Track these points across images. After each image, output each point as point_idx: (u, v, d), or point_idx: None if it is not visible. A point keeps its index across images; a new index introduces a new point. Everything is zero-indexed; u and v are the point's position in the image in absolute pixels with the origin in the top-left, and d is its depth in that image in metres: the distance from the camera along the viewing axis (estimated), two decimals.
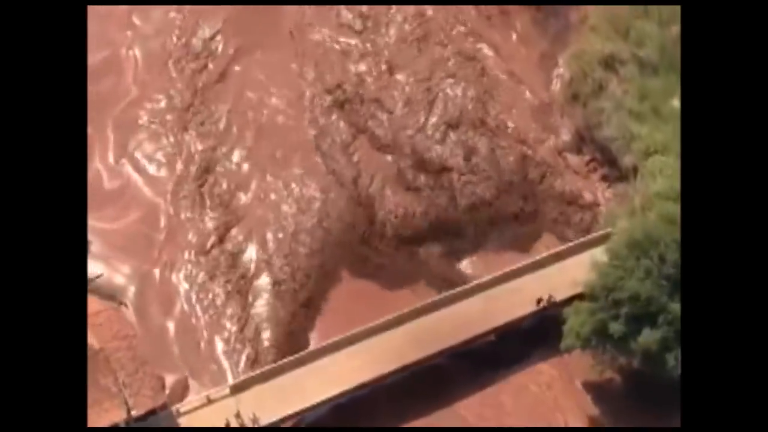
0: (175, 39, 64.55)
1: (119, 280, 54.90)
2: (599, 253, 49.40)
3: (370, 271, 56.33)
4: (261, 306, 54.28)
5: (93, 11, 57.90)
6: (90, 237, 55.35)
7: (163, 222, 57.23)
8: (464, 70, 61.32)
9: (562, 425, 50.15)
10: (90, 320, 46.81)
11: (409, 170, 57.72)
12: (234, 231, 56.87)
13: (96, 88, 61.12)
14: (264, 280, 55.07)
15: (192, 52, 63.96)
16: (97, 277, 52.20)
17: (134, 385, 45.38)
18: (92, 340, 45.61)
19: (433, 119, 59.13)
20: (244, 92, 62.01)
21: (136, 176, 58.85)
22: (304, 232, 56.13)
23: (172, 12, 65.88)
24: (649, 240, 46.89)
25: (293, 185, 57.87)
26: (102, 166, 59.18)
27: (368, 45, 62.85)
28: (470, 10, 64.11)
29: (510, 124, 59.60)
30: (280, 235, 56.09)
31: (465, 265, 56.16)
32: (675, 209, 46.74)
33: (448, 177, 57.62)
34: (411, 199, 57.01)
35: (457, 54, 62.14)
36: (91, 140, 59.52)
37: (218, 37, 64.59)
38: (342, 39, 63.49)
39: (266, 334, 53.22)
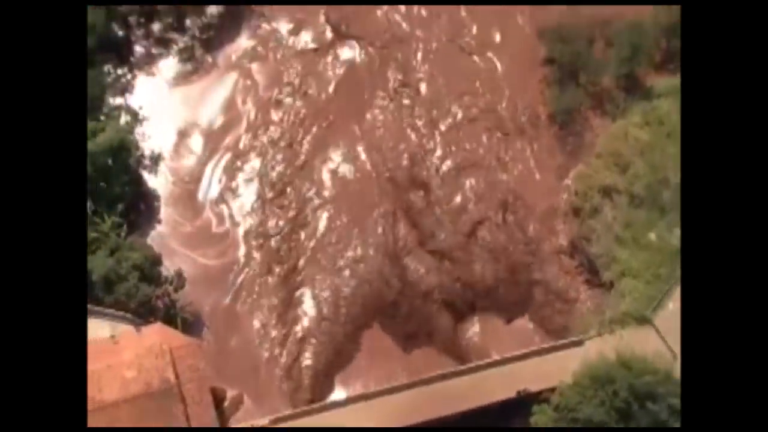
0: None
1: (205, 307, 60.42)
2: (569, 365, 53.04)
3: (395, 328, 61.21)
4: (308, 350, 59.84)
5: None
6: (191, 267, 60.97)
7: (246, 269, 61.99)
8: (493, 174, 65.10)
9: None
10: (174, 353, 53.74)
11: (438, 256, 62.70)
12: (296, 282, 61.90)
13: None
14: (312, 326, 60.55)
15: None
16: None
17: (197, 414, 50.44)
18: (170, 374, 52.58)
19: (468, 219, 63.69)
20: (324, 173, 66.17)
21: (233, 227, 63.53)
22: (349, 292, 61.54)
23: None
24: (608, 378, 50.29)
25: (349, 252, 62.98)
26: (213, 214, 63.91)
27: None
28: (507, 121, 67.09)
29: (521, 222, 63.33)
30: (327, 294, 61.34)
31: (467, 332, 61.13)
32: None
33: (468, 260, 62.62)
34: (434, 275, 62.18)
35: (490, 158, 65.99)
36: (202, 186, 65.11)
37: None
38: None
39: (307, 373, 58.77)
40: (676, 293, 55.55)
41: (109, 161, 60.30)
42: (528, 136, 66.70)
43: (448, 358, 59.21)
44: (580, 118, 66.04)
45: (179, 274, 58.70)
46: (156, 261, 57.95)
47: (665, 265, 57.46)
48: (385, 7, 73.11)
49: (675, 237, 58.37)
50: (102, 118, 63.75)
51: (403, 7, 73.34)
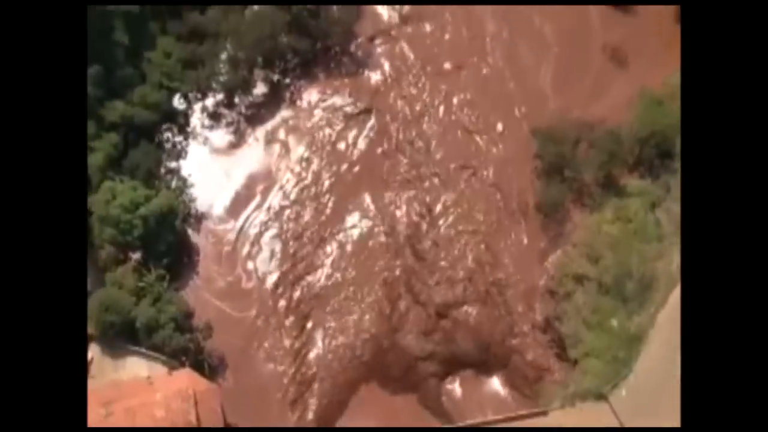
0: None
1: (228, 352, 65.99)
2: None
3: (387, 381, 66.28)
4: (313, 390, 65.67)
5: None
6: (219, 317, 66.85)
7: (266, 320, 67.56)
8: (483, 252, 69.60)
9: None
10: (198, 396, 59.28)
11: (428, 319, 67.79)
12: (307, 330, 67.78)
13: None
14: (319, 369, 66.21)
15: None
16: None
17: None
18: (192, 417, 58.31)
19: (458, 290, 68.64)
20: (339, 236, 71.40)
21: (259, 283, 68.99)
22: (349, 345, 67.22)
23: None
24: None
25: (353, 310, 68.41)
26: (243, 271, 69.45)
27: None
28: (500, 210, 71.34)
29: (505, 297, 67.93)
30: (334, 343, 67.01)
31: (449, 391, 66.00)
32: None
33: (455, 327, 67.32)
34: (424, 339, 67.07)
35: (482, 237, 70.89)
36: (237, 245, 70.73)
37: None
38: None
39: (310, 414, 64.72)
40: (630, 378, 60.02)
41: (159, 223, 66.64)
42: (517, 221, 71.09)
43: (430, 414, 64.32)
44: (562, 209, 70.01)
45: (208, 326, 64.79)
46: (189, 314, 64.08)
47: (623, 349, 61.94)
48: (405, 84, 78.07)
49: (634, 324, 63.06)
50: (157, 182, 70.33)
51: (420, 86, 78.20)
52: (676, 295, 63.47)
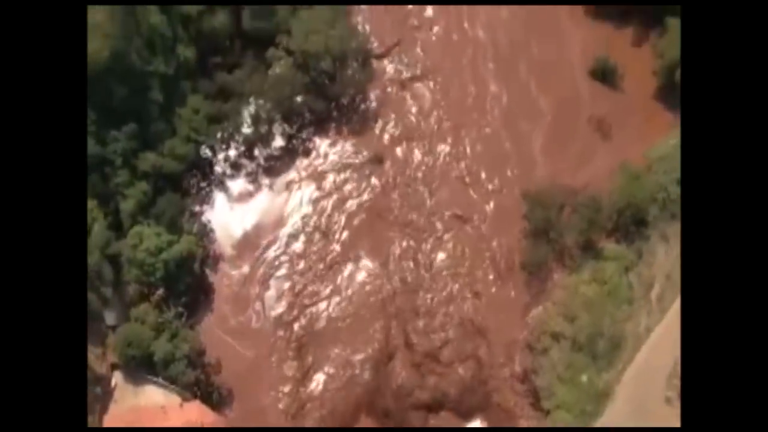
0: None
1: (235, 385, 69.88)
2: None
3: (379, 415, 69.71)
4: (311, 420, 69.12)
5: None
6: (229, 353, 70.62)
7: (269, 359, 71.26)
8: (470, 305, 72.65)
9: None
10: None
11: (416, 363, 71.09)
12: (308, 364, 71.39)
13: None
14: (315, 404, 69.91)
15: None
16: None
17: None
18: None
19: (446, 337, 71.75)
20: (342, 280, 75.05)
21: (266, 323, 72.76)
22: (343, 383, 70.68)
23: None
24: None
25: (349, 348, 72.38)
26: (253, 312, 72.95)
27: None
28: (489, 265, 74.38)
29: (488, 347, 70.89)
30: (331, 385, 70.30)
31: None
32: None
33: (442, 373, 70.64)
34: (413, 381, 70.50)
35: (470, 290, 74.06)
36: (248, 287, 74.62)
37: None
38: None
39: None
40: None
41: (179, 266, 70.59)
42: (503, 276, 74.00)
43: None
44: (545, 268, 72.83)
45: (218, 363, 68.66)
46: (201, 352, 67.80)
47: (591, 404, 64.74)
48: (409, 138, 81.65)
49: (602, 381, 65.91)
50: (181, 225, 74.13)
51: (423, 140, 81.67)
52: (641, 354, 66.13)
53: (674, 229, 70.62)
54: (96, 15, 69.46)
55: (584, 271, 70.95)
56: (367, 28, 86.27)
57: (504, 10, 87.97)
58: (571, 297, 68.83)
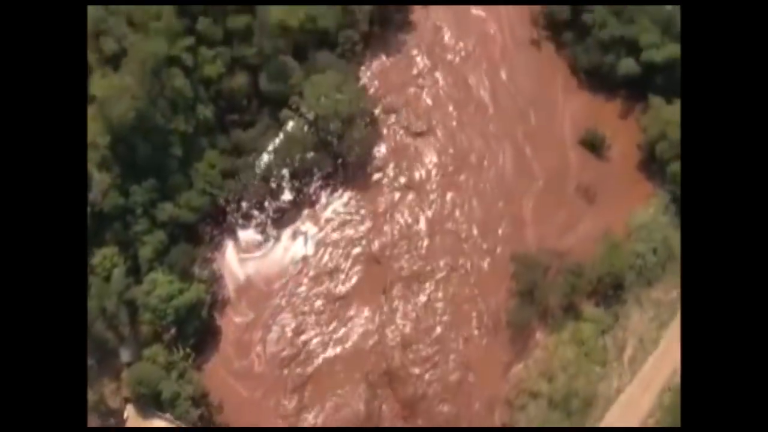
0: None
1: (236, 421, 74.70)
2: None
3: None
4: None
5: None
6: (230, 392, 75.32)
7: (267, 400, 75.96)
8: (455, 360, 77.61)
9: None
10: None
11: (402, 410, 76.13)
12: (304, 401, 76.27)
13: None
14: None
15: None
16: None
17: None
18: None
19: (432, 387, 76.19)
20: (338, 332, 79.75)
21: (267, 367, 77.62)
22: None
23: None
24: None
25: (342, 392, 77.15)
26: (255, 355, 77.74)
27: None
28: (475, 323, 79.02)
29: (468, 401, 75.39)
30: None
31: None
32: None
33: (426, 419, 75.75)
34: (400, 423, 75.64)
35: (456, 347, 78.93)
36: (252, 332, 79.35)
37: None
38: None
39: None
40: None
41: (188, 311, 76.33)
42: (489, 333, 78.96)
43: None
44: (529, 328, 78.09)
45: (220, 405, 74.17)
46: (205, 394, 73.42)
47: None
48: (407, 196, 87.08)
49: None
50: (193, 270, 79.77)
51: (422, 196, 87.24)
52: (611, 413, 70.95)
53: (649, 295, 75.85)
54: (125, 78, 75.57)
55: (564, 331, 75.95)
56: (376, 83, 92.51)
57: (504, 72, 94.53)
58: (551, 357, 73.92)
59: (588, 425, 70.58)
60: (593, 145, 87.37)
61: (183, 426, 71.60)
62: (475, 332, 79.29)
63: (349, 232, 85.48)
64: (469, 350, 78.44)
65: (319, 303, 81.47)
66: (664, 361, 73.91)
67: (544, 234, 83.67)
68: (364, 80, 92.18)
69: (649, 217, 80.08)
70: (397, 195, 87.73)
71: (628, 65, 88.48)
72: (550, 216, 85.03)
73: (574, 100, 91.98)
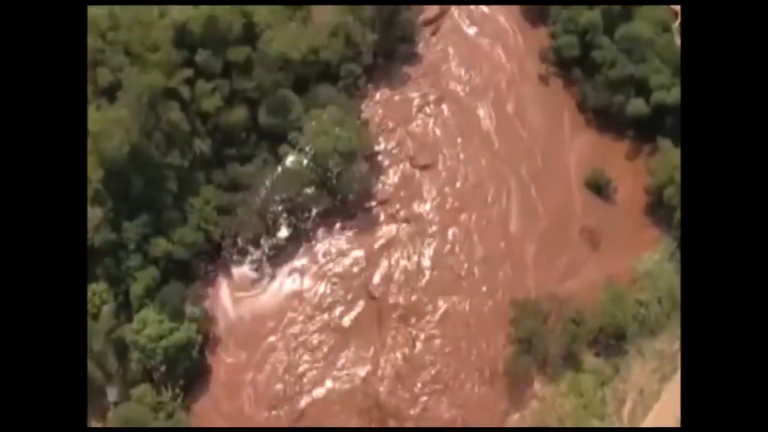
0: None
1: None
2: None
3: None
4: None
5: None
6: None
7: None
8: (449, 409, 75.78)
9: None
10: None
11: None
12: None
13: None
14: None
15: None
16: None
17: None
18: None
19: None
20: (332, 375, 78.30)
21: (257, 409, 75.89)
22: None
23: None
24: None
25: None
26: (246, 397, 76.14)
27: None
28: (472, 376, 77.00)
29: None
30: None
31: None
32: None
33: None
34: None
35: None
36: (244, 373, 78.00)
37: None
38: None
39: None
40: None
41: (178, 351, 74.81)
42: (485, 381, 77.04)
43: None
44: (527, 377, 76.16)
45: None
46: None
47: None
48: (407, 232, 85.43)
49: None
50: (185, 308, 78.22)
51: (423, 237, 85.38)
52: None
53: (651, 346, 73.74)
54: (120, 111, 74.48)
55: (563, 381, 74.16)
56: (379, 115, 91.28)
57: (511, 106, 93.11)
58: (548, 409, 72.04)
59: None
60: (599, 186, 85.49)
61: None
62: (472, 380, 77.26)
63: (346, 267, 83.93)
64: (465, 394, 76.57)
65: (313, 339, 79.91)
66: (664, 415, 71.48)
67: (546, 278, 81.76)
68: (366, 113, 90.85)
69: (654, 264, 78.06)
70: (396, 229, 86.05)
71: (637, 106, 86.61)
72: (552, 260, 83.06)
73: (580, 139, 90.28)
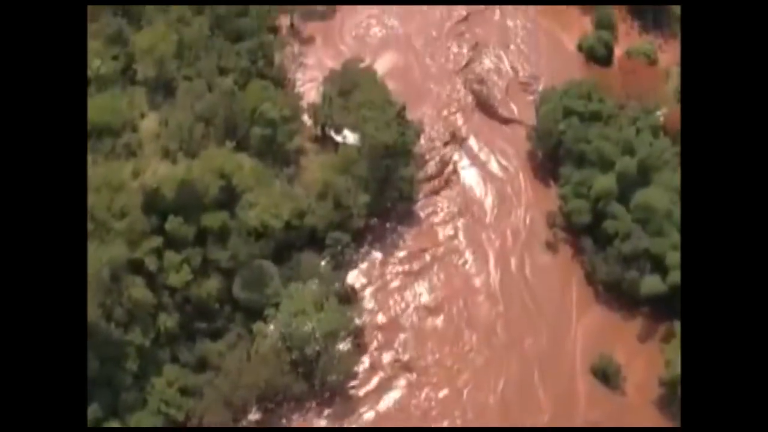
0: None
1: None
2: None
3: None
4: None
5: None
6: None
7: None
8: None
9: None
10: None
11: None
12: None
13: None
14: None
15: None
16: None
17: None
18: None
19: None
20: None
21: None
22: None
23: None
24: None
25: None
26: None
27: None
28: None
29: None
30: None
31: None
32: None
33: None
34: None
35: None
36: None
37: None
38: None
39: None
40: None
41: None
42: None
43: None
44: None
45: None
46: None
47: None
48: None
49: None
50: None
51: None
52: None
53: None
54: None
55: None
56: (367, 284, 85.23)
57: (514, 264, 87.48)
58: None
59: None
60: (606, 374, 77.59)
61: None
62: None
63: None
64: None
65: None
66: None
67: None
68: (353, 281, 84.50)
69: None
70: (380, 408, 78.90)
71: (652, 285, 79.79)
72: None
73: (588, 315, 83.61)
